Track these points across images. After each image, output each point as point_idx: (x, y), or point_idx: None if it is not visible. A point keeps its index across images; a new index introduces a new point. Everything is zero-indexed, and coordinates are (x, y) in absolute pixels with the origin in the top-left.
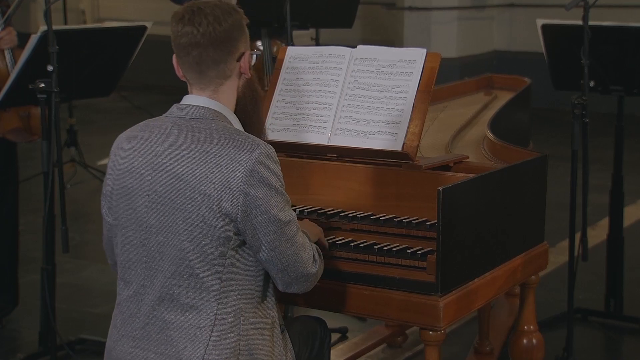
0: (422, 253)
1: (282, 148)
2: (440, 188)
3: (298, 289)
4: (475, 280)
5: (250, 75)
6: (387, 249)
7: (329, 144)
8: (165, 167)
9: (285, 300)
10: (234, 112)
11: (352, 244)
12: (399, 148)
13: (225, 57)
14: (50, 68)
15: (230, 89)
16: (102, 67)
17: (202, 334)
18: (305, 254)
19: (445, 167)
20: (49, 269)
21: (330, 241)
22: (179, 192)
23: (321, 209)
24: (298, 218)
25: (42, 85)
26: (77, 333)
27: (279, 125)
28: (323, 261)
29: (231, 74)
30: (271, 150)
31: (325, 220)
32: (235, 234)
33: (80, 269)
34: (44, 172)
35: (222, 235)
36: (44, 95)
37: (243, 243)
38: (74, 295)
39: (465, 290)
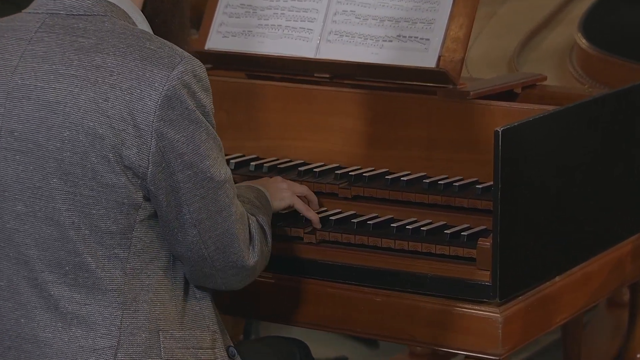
0: (468, 235)
1: (241, 63)
2: (499, 129)
3: (221, 285)
4: (556, 279)
5: None
6: (412, 229)
7: (318, 58)
8: (28, 91)
9: (242, 312)
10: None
11: (354, 220)
12: (432, 64)
13: None
14: None
15: None
16: None
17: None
18: (242, 234)
19: (509, 95)
20: None
21: (320, 215)
22: (51, 131)
23: (305, 164)
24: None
25: None
26: None
27: (235, 25)
28: (269, 243)
29: None
30: (199, 66)
31: (312, 181)
32: (146, 199)
33: None
34: None
35: (125, 201)
36: None
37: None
38: None
39: (540, 295)
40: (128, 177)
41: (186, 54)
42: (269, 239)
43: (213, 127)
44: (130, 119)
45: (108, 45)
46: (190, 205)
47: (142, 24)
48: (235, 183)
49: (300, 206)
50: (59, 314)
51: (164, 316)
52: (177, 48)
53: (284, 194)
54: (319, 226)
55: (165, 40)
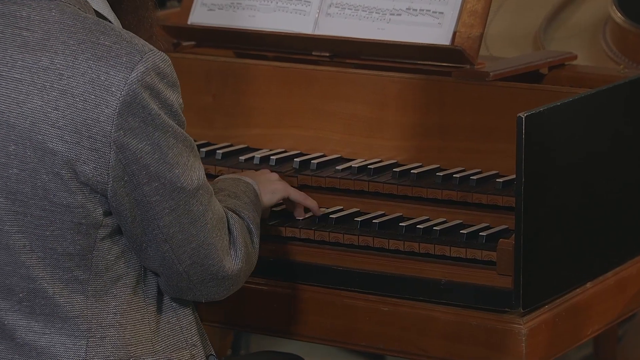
0: (488, 235)
1: (229, 40)
2: (523, 114)
3: (200, 297)
4: (587, 285)
5: None
6: (423, 228)
7: (316, 34)
8: None
9: (230, 323)
10: None
11: (358, 218)
12: (446, 41)
13: None
14: None
15: None
16: None
17: None
18: (221, 241)
19: (534, 76)
20: None
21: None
22: None
23: (302, 155)
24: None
25: None
26: None
27: None
28: (256, 244)
29: None
30: (163, 61)
31: (311, 175)
32: (107, 214)
33: None
34: None
35: (83, 221)
36: None
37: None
38: None
39: (569, 303)
40: (85, 195)
41: (147, 47)
42: (256, 240)
43: (183, 126)
44: (85, 130)
45: (56, 42)
46: (159, 220)
47: (98, 2)
48: (222, 175)
49: (297, 195)
50: (15, 346)
51: (135, 340)
52: (137, 41)
53: (276, 185)
54: (319, 214)
55: (123, 32)
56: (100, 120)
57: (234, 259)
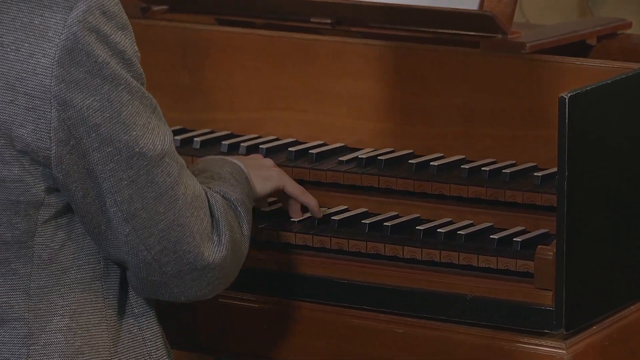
0: (523, 241)
1: (209, 3)
2: (566, 94)
3: (178, 295)
4: None
5: None
6: (445, 233)
7: None
8: None
9: (214, 348)
10: None
11: (366, 220)
12: (473, 5)
13: None
14: None
15: None
16: None
17: None
18: (197, 222)
19: (579, 47)
20: None
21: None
22: None
23: (298, 143)
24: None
25: None
26: None
27: None
28: (246, 231)
29: None
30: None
31: (308, 167)
32: (50, 190)
33: None
34: None
35: (21, 198)
36: None
37: (69, 209)
38: None
39: (621, 324)
40: (24, 166)
41: None
42: (247, 226)
43: (140, 79)
44: (20, 86)
45: None
46: (116, 194)
47: None
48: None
49: (294, 189)
50: None
51: (89, 348)
52: None
53: (270, 172)
54: (319, 215)
55: None
56: (37, 73)
57: (217, 245)
